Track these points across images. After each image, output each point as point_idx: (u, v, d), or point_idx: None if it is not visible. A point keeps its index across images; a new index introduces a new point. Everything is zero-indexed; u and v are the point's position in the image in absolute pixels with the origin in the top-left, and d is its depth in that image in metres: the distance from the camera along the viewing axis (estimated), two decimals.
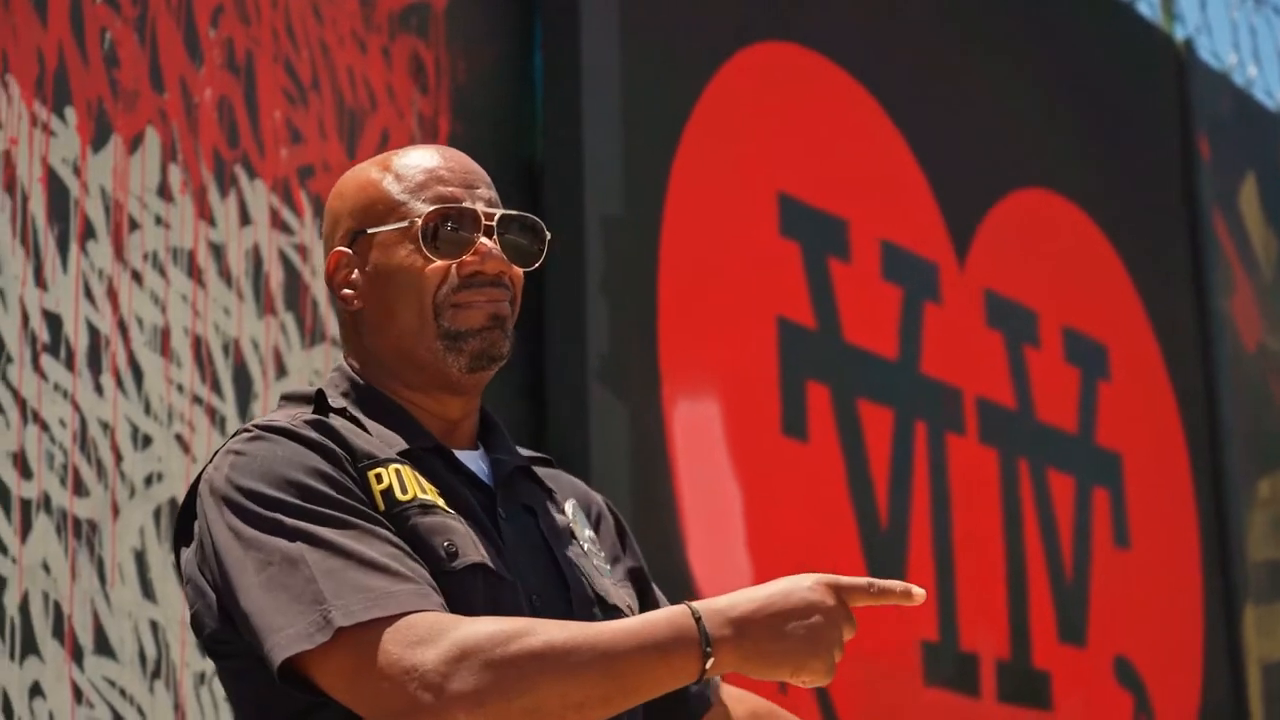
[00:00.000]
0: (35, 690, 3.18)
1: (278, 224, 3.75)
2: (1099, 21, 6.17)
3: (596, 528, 2.33)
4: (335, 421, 2.13)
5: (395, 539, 2.02)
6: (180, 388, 3.50)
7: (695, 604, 1.97)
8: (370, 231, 2.20)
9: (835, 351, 4.85)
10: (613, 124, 4.29)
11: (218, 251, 3.62)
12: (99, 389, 3.37)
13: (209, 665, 3.47)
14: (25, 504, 3.21)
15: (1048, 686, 5.38)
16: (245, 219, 3.69)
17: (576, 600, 2.15)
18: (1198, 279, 6.29)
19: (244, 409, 3.61)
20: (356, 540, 1.99)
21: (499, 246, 2.18)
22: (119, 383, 3.40)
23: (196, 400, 3.53)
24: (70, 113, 3.40)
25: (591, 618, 2.13)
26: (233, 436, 2.12)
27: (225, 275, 3.63)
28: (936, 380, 5.19)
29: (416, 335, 2.17)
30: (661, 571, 4.19)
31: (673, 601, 2.14)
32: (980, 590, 5.19)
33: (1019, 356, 5.52)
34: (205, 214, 3.61)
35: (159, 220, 3.53)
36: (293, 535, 1.99)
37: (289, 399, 2.22)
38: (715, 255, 4.55)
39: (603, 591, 2.19)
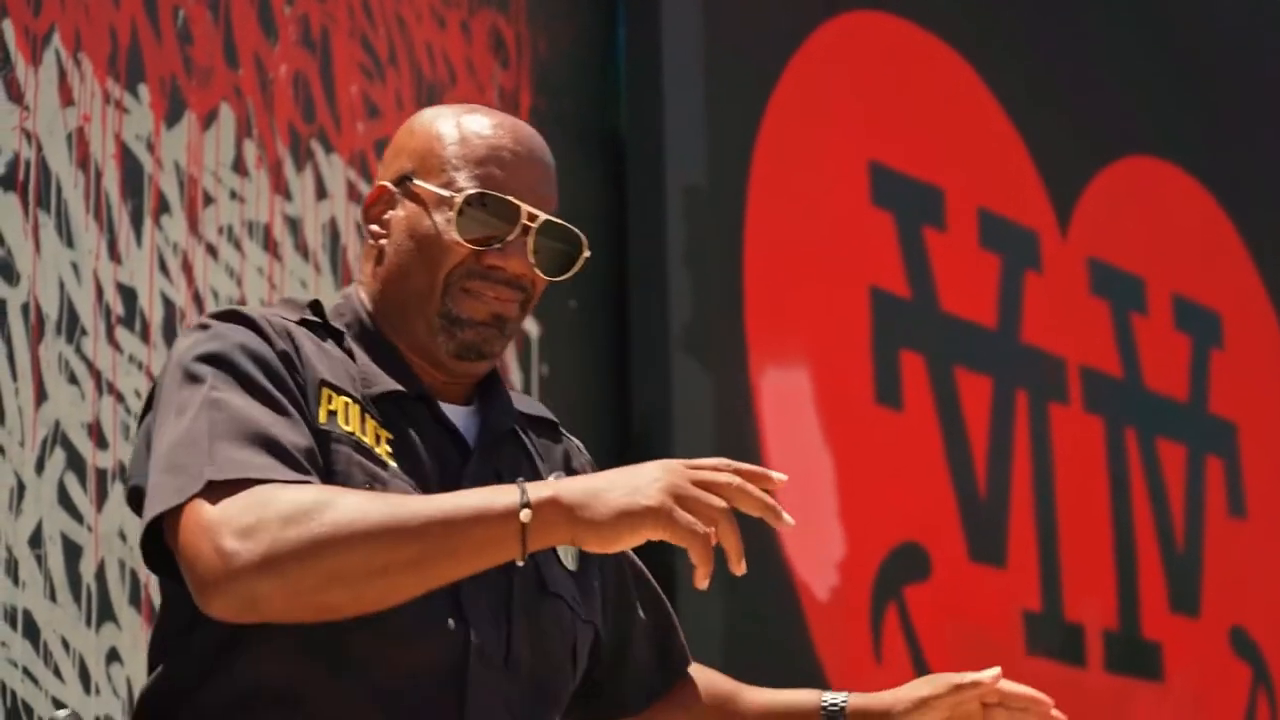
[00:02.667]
0: (112, 656, 3.24)
1: (355, 197, 3.79)
2: None
3: None
4: (309, 337, 2.12)
5: (303, 431, 2.02)
6: None
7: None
8: (417, 182, 2.17)
9: (931, 320, 4.83)
10: (695, 94, 4.30)
11: (294, 225, 3.67)
12: None
13: None
14: (101, 473, 3.27)
15: (1159, 657, 5.33)
16: (322, 193, 3.73)
17: (519, 579, 2.11)
18: None
19: None
20: (264, 417, 1.99)
21: (531, 248, 2.13)
22: None
23: None
24: (143, 90, 3.46)
25: (533, 600, 2.12)
26: (212, 313, 2.12)
27: (302, 249, 3.67)
28: (1038, 349, 5.15)
29: (420, 301, 2.14)
30: (749, 537, 4.20)
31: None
32: (1086, 560, 5.14)
33: (1125, 324, 5.47)
34: (281, 188, 3.66)
35: (234, 195, 3.58)
36: (212, 408, 1.99)
37: (288, 302, 2.21)
38: (804, 225, 4.54)
39: (549, 578, 2.16)
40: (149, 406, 2.11)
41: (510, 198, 2.13)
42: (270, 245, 3.62)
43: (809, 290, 4.52)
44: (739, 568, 1.88)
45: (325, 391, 2.07)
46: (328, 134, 3.76)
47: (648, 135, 4.23)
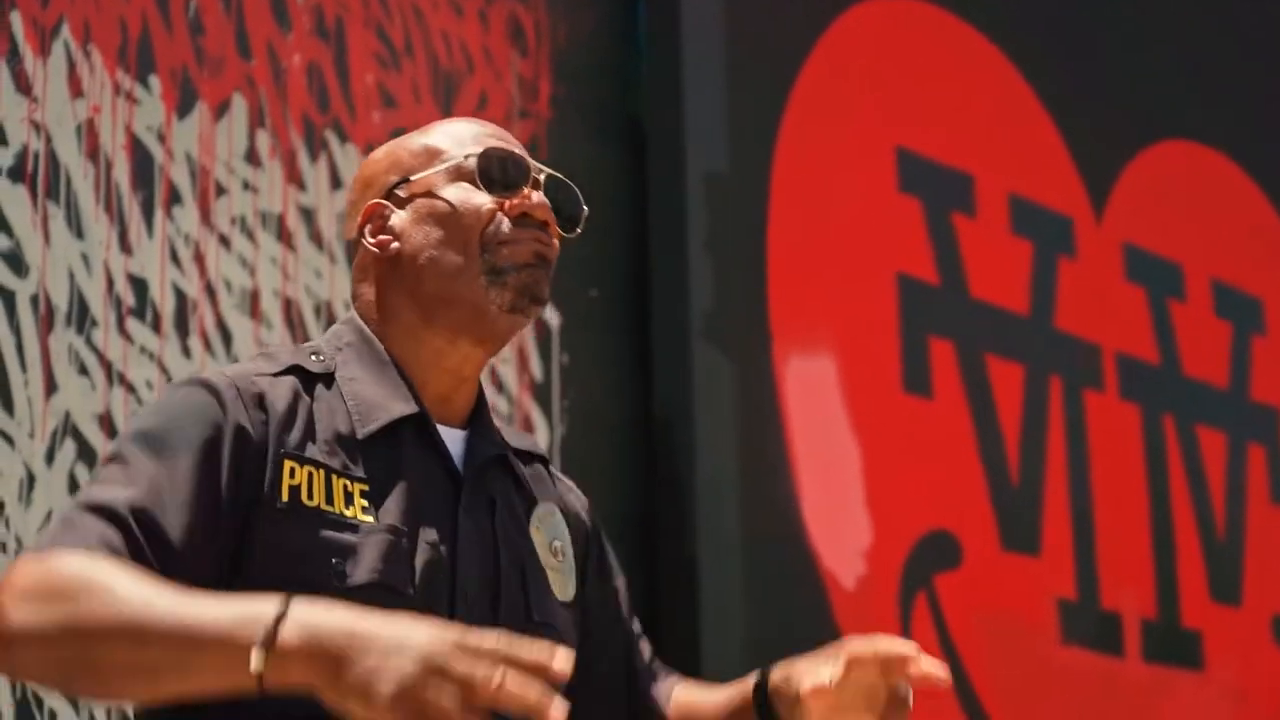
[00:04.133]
0: None
1: None
2: None
3: (576, 544, 2.29)
4: (291, 389, 2.10)
5: (189, 498, 1.98)
6: None
7: (302, 604, 1.77)
8: (414, 178, 2.19)
9: (960, 307, 4.79)
10: (716, 81, 4.28)
11: (308, 215, 3.67)
12: (186, 351, 3.42)
13: None
14: None
15: (1199, 646, 5.28)
16: (336, 183, 3.72)
17: (505, 609, 2.11)
18: None
19: None
20: (136, 494, 1.97)
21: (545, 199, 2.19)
22: (207, 345, 3.45)
23: None
24: (154, 81, 3.46)
25: (521, 631, 2.07)
26: (184, 379, 2.12)
27: (316, 238, 3.67)
28: (1072, 335, 5.11)
29: (460, 272, 2.14)
30: (773, 526, 4.19)
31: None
32: (1123, 549, 5.10)
33: (1163, 311, 5.42)
34: (295, 178, 3.65)
35: (247, 185, 3.57)
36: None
37: (268, 356, 2.18)
38: (829, 212, 4.51)
39: (537, 606, 2.15)
40: None
41: (517, 153, 2.20)
42: (284, 235, 3.62)
43: (834, 277, 4.49)
44: None
45: (288, 465, 2.04)
46: (342, 124, 3.75)
47: (668, 122, 4.21)
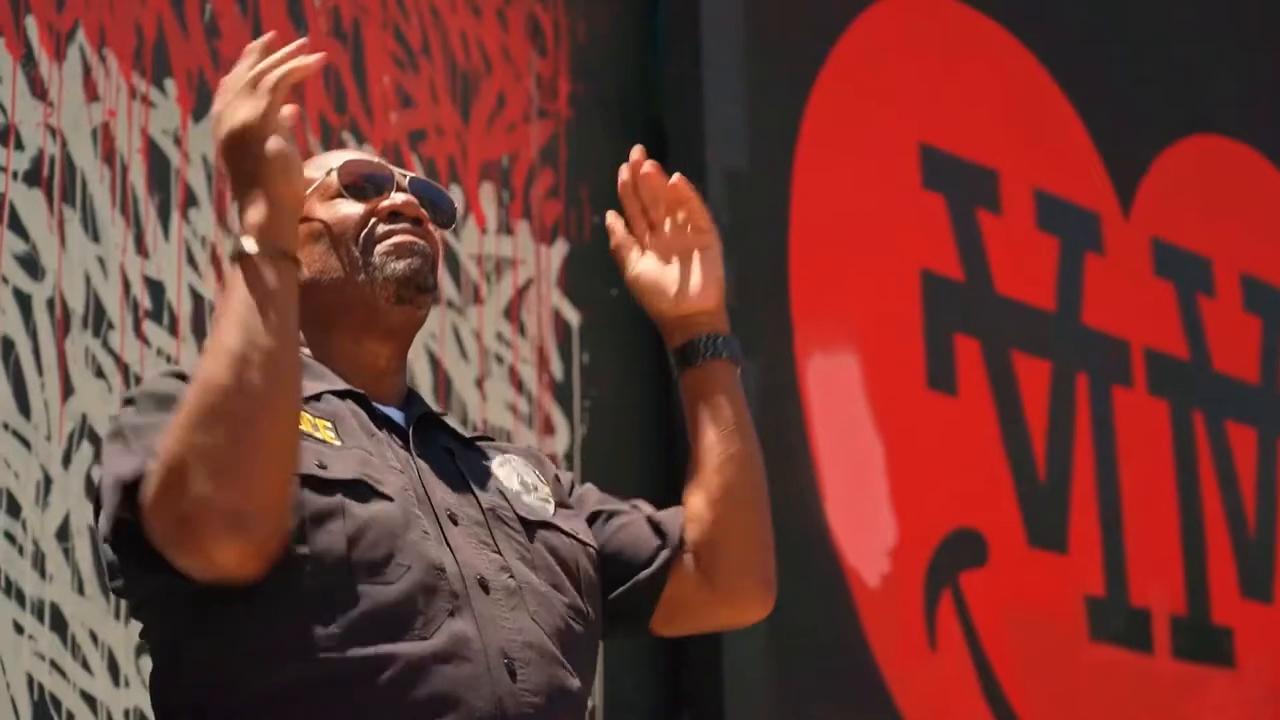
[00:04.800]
0: (143, 649, 3.24)
1: None
2: None
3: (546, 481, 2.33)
4: None
5: None
6: None
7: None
8: None
9: (986, 304, 4.77)
10: (737, 78, 4.27)
11: None
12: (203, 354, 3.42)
13: None
14: None
15: (1230, 643, 5.25)
16: None
17: (490, 517, 2.15)
18: None
19: None
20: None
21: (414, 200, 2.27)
22: None
23: None
24: (170, 84, 3.46)
25: (514, 534, 2.15)
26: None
27: None
28: (1100, 332, 5.08)
29: (345, 279, 2.21)
30: (796, 524, 4.18)
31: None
32: (1152, 545, 5.07)
33: (1192, 306, 5.39)
34: None
35: None
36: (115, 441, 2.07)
37: None
38: (852, 209, 4.50)
39: (525, 511, 2.20)
40: None
41: (376, 159, 2.31)
42: None
43: (857, 274, 4.48)
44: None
45: None
46: (359, 124, 3.75)
47: (689, 120, 4.20)
